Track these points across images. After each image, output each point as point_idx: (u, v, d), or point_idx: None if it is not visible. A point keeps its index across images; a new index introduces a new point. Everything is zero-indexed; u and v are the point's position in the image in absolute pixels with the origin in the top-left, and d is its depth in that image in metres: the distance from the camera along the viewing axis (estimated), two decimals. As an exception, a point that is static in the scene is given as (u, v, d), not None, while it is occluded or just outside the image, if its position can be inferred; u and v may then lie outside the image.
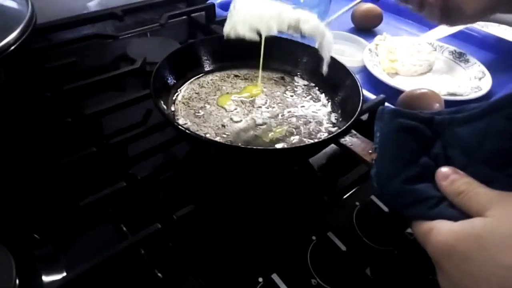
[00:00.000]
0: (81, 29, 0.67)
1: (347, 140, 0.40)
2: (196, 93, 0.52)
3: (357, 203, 0.44)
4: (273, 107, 0.50)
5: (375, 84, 0.66)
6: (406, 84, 0.65)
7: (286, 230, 0.40)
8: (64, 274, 0.35)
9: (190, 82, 0.54)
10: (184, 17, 0.75)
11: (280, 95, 0.53)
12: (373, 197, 0.42)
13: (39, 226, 0.39)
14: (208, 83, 0.54)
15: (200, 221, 0.41)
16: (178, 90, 0.52)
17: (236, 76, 0.56)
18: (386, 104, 0.57)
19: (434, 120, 0.32)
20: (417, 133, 0.31)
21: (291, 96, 0.53)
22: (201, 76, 0.55)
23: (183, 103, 0.50)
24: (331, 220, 0.42)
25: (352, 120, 0.41)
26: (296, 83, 0.55)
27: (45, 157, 0.42)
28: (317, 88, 0.55)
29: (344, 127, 0.40)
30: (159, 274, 0.36)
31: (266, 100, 0.51)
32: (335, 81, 0.52)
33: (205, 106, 0.49)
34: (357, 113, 0.43)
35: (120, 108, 0.50)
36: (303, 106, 0.51)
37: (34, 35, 0.47)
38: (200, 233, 0.40)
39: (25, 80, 0.52)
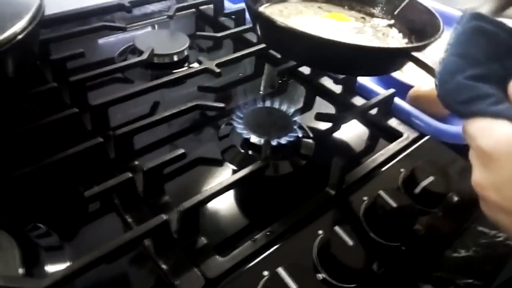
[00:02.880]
0: (89, 20, 0.67)
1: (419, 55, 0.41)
2: (279, 10, 0.54)
3: (364, 198, 0.43)
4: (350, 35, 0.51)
5: (385, 79, 0.65)
6: (415, 79, 0.64)
7: (292, 223, 0.40)
8: (68, 264, 0.35)
9: (275, 2, 0.56)
10: (192, 9, 0.75)
11: (361, 28, 0.54)
12: (381, 192, 0.42)
13: (44, 216, 0.39)
14: (291, 6, 0.56)
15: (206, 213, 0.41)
16: (263, 5, 0.55)
17: (319, 7, 0.58)
18: (397, 98, 0.57)
19: None
20: (495, 39, 0.30)
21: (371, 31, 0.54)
22: (286, 1, 0.57)
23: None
24: (338, 215, 0.42)
25: (431, 39, 0.43)
26: (376, 23, 0.57)
27: (52, 147, 0.42)
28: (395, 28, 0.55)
29: (424, 42, 0.43)
30: (163, 266, 0.36)
31: (345, 27, 0.53)
32: (413, 20, 0.53)
33: (285, 21, 0.50)
34: (438, 34, 0.44)
35: (127, 99, 0.50)
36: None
37: (42, 27, 0.47)
38: (205, 226, 0.40)
39: (32, 71, 0.52)
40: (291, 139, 0.48)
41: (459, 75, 0.29)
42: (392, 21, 0.56)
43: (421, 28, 0.50)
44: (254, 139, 0.48)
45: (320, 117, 0.50)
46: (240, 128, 0.49)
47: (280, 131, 0.49)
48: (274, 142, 0.47)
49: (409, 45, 0.48)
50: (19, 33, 0.42)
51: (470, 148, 0.30)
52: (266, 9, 0.54)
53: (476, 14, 0.31)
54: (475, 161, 0.29)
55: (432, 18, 0.49)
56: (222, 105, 0.50)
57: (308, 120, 0.54)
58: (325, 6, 0.59)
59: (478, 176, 0.29)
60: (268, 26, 0.45)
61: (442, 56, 0.31)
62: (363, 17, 0.58)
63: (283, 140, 0.48)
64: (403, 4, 0.53)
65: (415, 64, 0.42)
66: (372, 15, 0.58)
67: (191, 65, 0.63)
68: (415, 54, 0.42)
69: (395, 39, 0.53)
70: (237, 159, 0.48)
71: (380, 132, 0.55)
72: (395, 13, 0.54)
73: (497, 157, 0.27)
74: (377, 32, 0.53)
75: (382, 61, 0.46)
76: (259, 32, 0.49)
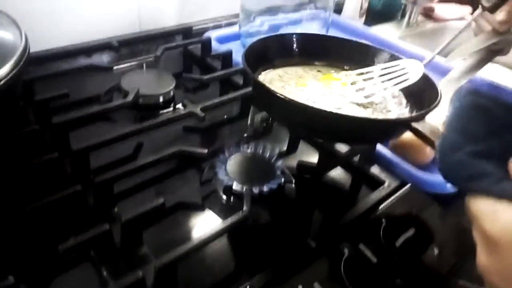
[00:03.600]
0: (76, 58, 0.68)
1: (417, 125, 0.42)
2: (279, 76, 0.55)
3: (345, 251, 0.43)
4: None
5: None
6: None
7: (273, 277, 0.39)
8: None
9: (275, 68, 0.57)
10: (180, 49, 0.76)
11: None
12: (361, 246, 0.42)
13: (14, 266, 0.38)
14: (291, 71, 0.57)
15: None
16: (264, 71, 0.55)
17: (318, 71, 0.58)
18: (379, 145, 0.57)
19: None
20: (492, 115, 0.30)
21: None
22: (286, 66, 0.57)
23: (266, 81, 0.53)
24: (319, 268, 0.41)
25: (430, 108, 0.44)
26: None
27: (29, 193, 0.41)
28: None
29: (422, 112, 0.43)
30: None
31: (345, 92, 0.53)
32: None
33: (285, 87, 0.52)
34: (436, 102, 0.44)
35: (110, 143, 0.50)
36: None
37: (27, 65, 0.47)
38: (183, 277, 0.39)
39: (15, 113, 0.51)
40: (274, 186, 0.48)
41: (459, 151, 0.30)
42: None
43: (418, 93, 0.51)
44: (236, 186, 0.48)
45: (302, 168, 0.50)
46: (222, 174, 0.49)
47: (262, 177, 0.49)
48: (256, 190, 0.47)
49: (408, 116, 0.48)
50: (3, 78, 0.42)
51: (472, 226, 0.30)
52: (266, 75, 0.55)
53: (473, 90, 0.31)
54: (479, 241, 0.29)
55: (428, 84, 0.50)
56: (204, 151, 0.50)
57: (293, 162, 0.54)
58: (324, 69, 0.59)
59: (484, 260, 0.28)
60: (269, 97, 0.45)
61: (441, 130, 0.32)
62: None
63: (265, 188, 0.47)
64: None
65: (414, 135, 0.42)
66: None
67: (177, 106, 0.63)
68: (414, 124, 0.42)
69: (395, 105, 0.53)
70: (219, 206, 0.48)
71: (362, 179, 0.55)
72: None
73: (503, 244, 0.26)
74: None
75: (381, 132, 0.46)
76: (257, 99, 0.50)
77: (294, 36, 0.59)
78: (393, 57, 0.56)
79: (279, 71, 0.56)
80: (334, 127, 0.44)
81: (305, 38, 0.59)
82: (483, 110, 0.31)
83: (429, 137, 0.40)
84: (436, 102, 0.45)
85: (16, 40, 0.48)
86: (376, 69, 0.54)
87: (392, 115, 0.50)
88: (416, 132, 0.42)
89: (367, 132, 0.45)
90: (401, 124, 0.44)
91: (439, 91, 0.47)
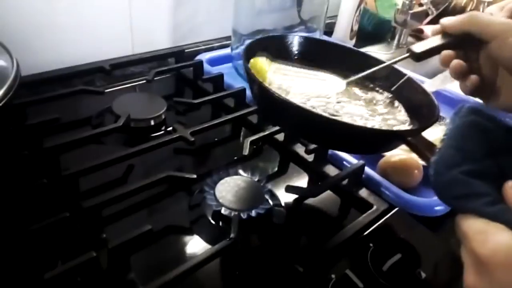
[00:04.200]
0: (68, 81, 0.68)
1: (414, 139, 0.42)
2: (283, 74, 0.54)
3: (332, 276, 0.43)
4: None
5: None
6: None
7: None
8: None
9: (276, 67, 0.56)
10: (172, 72, 0.77)
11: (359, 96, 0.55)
12: (348, 271, 0.42)
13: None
14: (290, 70, 0.56)
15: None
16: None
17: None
18: (367, 168, 0.58)
19: None
20: (491, 136, 0.30)
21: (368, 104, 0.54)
22: (286, 63, 0.57)
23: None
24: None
25: (427, 123, 0.44)
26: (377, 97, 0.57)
27: (14, 222, 0.41)
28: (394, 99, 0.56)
29: (418, 127, 0.44)
30: None
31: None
32: (409, 98, 0.54)
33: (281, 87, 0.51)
34: (433, 118, 0.45)
35: (100, 168, 0.50)
36: (381, 113, 0.52)
37: (18, 89, 0.47)
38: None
39: (5, 138, 0.52)
40: (262, 211, 0.49)
41: (455, 169, 0.30)
42: (391, 96, 0.56)
43: (418, 107, 0.51)
44: (224, 211, 0.48)
45: (290, 190, 0.51)
46: (211, 199, 0.49)
47: (251, 202, 0.49)
48: (244, 215, 0.47)
49: (404, 129, 0.48)
50: (-7, 105, 0.42)
51: (462, 245, 0.30)
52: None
53: (473, 109, 0.31)
54: (468, 261, 0.29)
55: (427, 99, 0.50)
56: (193, 176, 0.50)
57: (282, 184, 0.55)
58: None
59: (472, 281, 0.28)
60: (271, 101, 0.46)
61: (439, 146, 0.32)
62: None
63: (254, 213, 0.48)
64: (400, 82, 0.54)
65: (409, 148, 0.43)
66: (371, 89, 0.58)
67: (168, 129, 0.64)
68: (410, 138, 0.42)
69: (398, 115, 0.54)
70: (207, 231, 0.48)
71: (351, 203, 0.55)
72: (392, 89, 0.55)
73: (492, 267, 0.26)
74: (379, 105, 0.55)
75: (375, 142, 0.47)
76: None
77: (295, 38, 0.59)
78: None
79: (278, 65, 0.56)
80: (329, 133, 0.45)
81: (305, 42, 0.59)
82: (483, 130, 0.30)
83: (424, 152, 0.40)
84: (434, 119, 0.46)
85: (7, 67, 0.48)
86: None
87: (394, 126, 0.50)
88: (412, 146, 0.42)
89: (362, 141, 0.46)
90: (396, 136, 0.45)
91: (437, 108, 0.48)
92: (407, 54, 0.46)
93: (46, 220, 0.41)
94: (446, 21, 0.44)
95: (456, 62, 0.45)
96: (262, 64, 0.53)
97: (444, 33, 0.44)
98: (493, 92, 0.45)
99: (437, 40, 0.44)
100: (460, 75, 0.45)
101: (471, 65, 0.45)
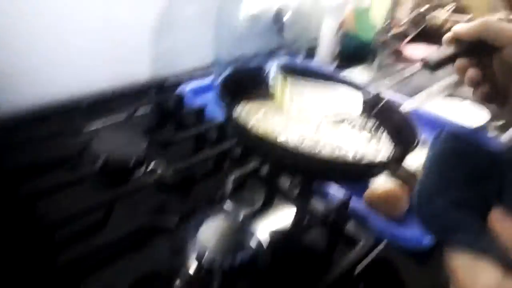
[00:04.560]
0: (43, 122, 0.67)
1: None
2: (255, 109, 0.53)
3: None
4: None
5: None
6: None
7: None
8: None
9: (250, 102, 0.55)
10: (152, 105, 0.76)
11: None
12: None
13: None
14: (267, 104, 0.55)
15: None
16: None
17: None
18: (353, 199, 0.57)
19: (502, 158, 0.30)
20: (472, 162, 0.30)
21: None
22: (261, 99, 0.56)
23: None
24: None
25: (408, 150, 0.44)
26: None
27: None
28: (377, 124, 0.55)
29: (397, 156, 0.44)
30: None
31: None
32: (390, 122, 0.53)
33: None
34: (414, 144, 0.44)
35: (78, 217, 0.48)
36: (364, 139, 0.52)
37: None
38: None
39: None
40: (245, 257, 0.47)
41: (437, 199, 0.29)
42: (373, 120, 0.56)
43: (399, 131, 0.51)
44: (206, 259, 0.46)
45: (276, 235, 0.49)
46: (192, 245, 0.47)
47: (235, 246, 0.47)
48: (227, 265, 0.46)
49: (386, 160, 0.47)
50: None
51: (451, 280, 0.29)
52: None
53: (452, 135, 0.31)
54: None
55: (407, 123, 0.50)
56: (172, 225, 0.49)
57: (268, 219, 0.53)
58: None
59: None
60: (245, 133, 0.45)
61: (419, 176, 0.31)
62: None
63: (237, 260, 0.46)
64: (379, 106, 0.54)
65: (392, 176, 0.42)
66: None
67: (148, 168, 0.62)
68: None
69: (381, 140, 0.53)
70: (189, 280, 0.46)
71: (337, 238, 0.54)
72: (372, 113, 0.55)
73: None
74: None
75: (357, 173, 0.46)
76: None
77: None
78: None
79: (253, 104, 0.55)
80: (308, 167, 0.44)
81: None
82: (464, 157, 0.30)
83: (408, 179, 0.39)
84: (413, 146, 0.45)
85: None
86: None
87: (377, 152, 0.50)
88: (394, 173, 0.41)
89: (341, 173, 0.46)
90: (376, 168, 0.44)
91: (417, 133, 0.47)
92: (421, 65, 0.44)
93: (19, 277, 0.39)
94: (459, 28, 0.44)
95: (472, 71, 0.45)
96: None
97: (456, 41, 0.44)
98: (507, 97, 0.45)
99: (450, 49, 0.44)
100: (475, 84, 0.46)
101: (484, 72, 0.45)
